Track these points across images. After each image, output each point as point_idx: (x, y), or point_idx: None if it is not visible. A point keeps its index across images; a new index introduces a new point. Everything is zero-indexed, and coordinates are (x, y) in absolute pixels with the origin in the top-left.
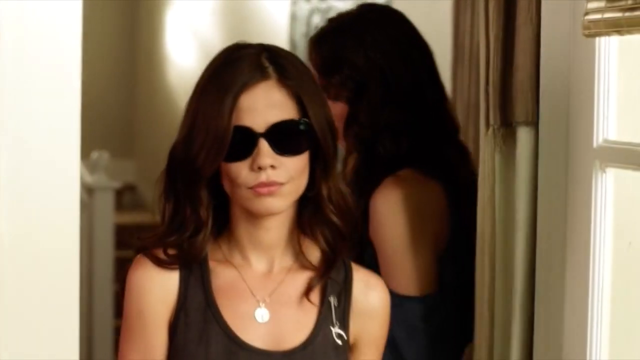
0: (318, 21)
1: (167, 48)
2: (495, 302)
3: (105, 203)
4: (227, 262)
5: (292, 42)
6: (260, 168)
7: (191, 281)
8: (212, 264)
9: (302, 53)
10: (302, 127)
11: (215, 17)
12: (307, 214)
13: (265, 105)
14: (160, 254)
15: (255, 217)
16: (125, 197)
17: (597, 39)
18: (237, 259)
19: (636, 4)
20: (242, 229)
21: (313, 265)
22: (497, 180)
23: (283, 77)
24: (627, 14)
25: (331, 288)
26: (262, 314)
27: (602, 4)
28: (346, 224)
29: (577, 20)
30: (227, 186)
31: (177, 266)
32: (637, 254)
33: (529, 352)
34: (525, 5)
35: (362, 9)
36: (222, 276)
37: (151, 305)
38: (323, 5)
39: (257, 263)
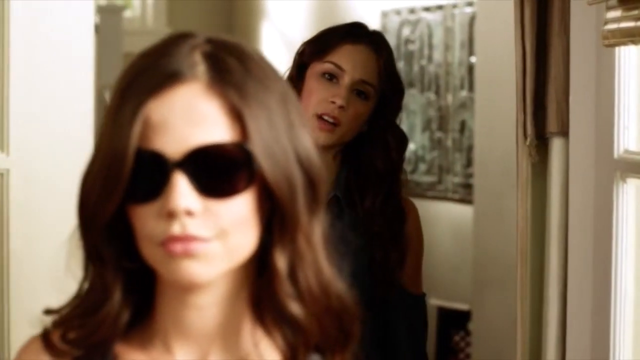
0: (408, 33)
1: None
2: (532, 307)
3: None
4: (144, 352)
5: None
6: (171, 214)
7: None
8: (122, 352)
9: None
10: (238, 155)
11: (308, 29)
12: (257, 292)
13: (185, 120)
14: (54, 339)
15: (180, 289)
16: None
17: (616, 49)
18: (157, 348)
19: None
20: (166, 305)
21: None
22: (530, 192)
23: (218, 80)
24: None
25: None
26: None
27: (618, 14)
28: (323, 321)
29: (601, 30)
30: (137, 239)
31: (70, 358)
32: None
33: (563, 352)
34: (558, 16)
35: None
36: None
37: None
38: (413, 18)
39: (183, 357)
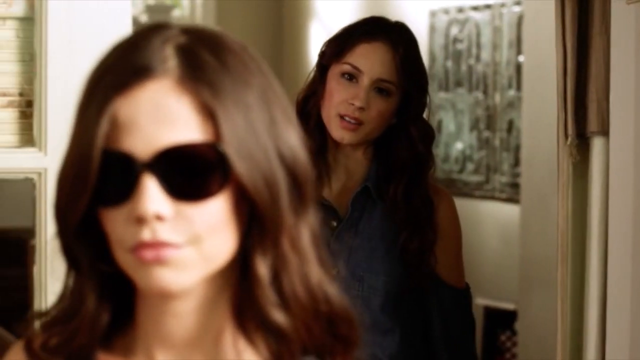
0: (456, 32)
1: (312, 61)
2: (572, 307)
3: None
4: None
5: (432, 53)
6: (140, 219)
7: None
8: None
9: (440, 65)
10: (210, 156)
11: None
12: (239, 298)
13: (154, 119)
14: (36, 346)
15: (157, 295)
16: None
17: None
18: (139, 357)
19: None
20: (145, 312)
21: None
22: (571, 192)
23: (189, 77)
24: None
25: None
26: None
27: None
28: (312, 327)
29: None
30: (110, 244)
31: None
32: None
33: (603, 351)
34: (599, 16)
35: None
36: None
37: None
38: (461, 17)
39: None
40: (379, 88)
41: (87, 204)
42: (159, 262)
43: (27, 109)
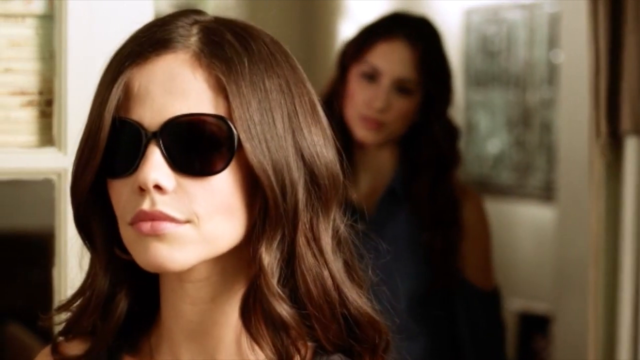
0: (491, 31)
1: None
2: (604, 310)
3: None
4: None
5: (466, 52)
6: (142, 189)
7: None
8: None
9: (475, 64)
10: (218, 129)
11: None
12: (247, 290)
13: (166, 90)
14: (63, 348)
15: (174, 279)
16: None
17: None
18: (164, 354)
19: None
20: (168, 303)
21: None
22: (604, 192)
23: (207, 52)
24: None
25: None
26: None
27: None
28: (328, 328)
29: None
30: (118, 221)
31: None
32: None
33: (635, 354)
34: (633, 12)
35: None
36: None
37: None
38: (496, 16)
39: None
40: (400, 87)
41: (96, 170)
42: (156, 235)
43: (47, 108)
